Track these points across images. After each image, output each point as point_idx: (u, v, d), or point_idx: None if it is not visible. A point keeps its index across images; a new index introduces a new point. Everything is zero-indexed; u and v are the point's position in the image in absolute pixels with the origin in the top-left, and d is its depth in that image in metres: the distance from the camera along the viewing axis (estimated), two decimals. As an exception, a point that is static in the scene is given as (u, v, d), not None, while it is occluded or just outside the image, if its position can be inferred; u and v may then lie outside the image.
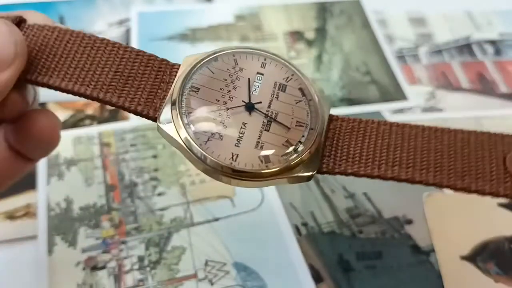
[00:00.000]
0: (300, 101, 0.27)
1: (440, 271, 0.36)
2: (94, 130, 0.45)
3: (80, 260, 0.37)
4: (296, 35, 0.54)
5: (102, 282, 0.36)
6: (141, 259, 0.37)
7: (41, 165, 0.42)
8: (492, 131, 0.26)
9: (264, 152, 0.25)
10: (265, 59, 0.28)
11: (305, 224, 0.39)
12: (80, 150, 0.43)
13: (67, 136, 0.44)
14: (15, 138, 0.28)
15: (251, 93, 0.27)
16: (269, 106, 0.26)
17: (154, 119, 0.26)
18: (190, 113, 0.26)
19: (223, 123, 0.26)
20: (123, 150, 0.43)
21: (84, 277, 0.36)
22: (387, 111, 0.47)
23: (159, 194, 0.40)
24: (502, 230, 0.39)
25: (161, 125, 0.26)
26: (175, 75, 0.27)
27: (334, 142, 0.27)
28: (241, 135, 0.26)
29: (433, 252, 0.37)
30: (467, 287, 0.36)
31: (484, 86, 0.50)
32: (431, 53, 0.53)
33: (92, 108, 0.46)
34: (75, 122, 0.45)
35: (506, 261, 0.37)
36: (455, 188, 0.25)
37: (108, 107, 0.46)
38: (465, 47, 0.54)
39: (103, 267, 0.36)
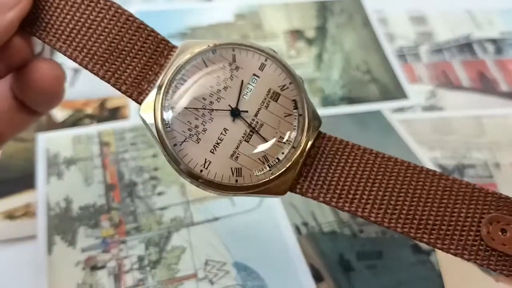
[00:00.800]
0: (289, 114, 0.25)
1: (440, 271, 0.36)
2: (93, 129, 0.45)
3: (80, 259, 0.36)
4: (296, 34, 0.54)
5: (101, 281, 0.35)
6: (141, 258, 0.37)
7: (41, 164, 0.42)
8: (477, 186, 0.25)
9: (238, 165, 0.25)
10: (265, 60, 0.26)
11: (305, 224, 0.39)
12: (80, 149, 0.43)
13: (66, 135, 0.44)
14: (19, 87, 0.28)
15: (241, 97, 0.25)
16: (255, 115, 0.25)
17: (138, 102, 0.26)
18: (173, 107, 0.25)
19: (203, 125, 0.25)
20: (122, 149, 0.43)
21: (83, 276, 0.36)
22: (388, 109, 0.47)
23: (159, 194, 0.40)
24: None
25: (141, 112, 0.25)
26: (171, 59, 0.26)
27: (315, 162, 0.26)
28: (219, 141, 0.25)
29: (433, 252, 0.37)
30: (467, 287, 0.36)
31: (484, 85, 0.50)
32: (431, 51, 0.53)
33: (92, 107, 0.46)
34: (74, 121, 0.45)
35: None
36: (421, 242, 0.24)
37: (108, 106, 0.46)
38: (466, 46, 0.54)
39: (102, 267, 0.36)
